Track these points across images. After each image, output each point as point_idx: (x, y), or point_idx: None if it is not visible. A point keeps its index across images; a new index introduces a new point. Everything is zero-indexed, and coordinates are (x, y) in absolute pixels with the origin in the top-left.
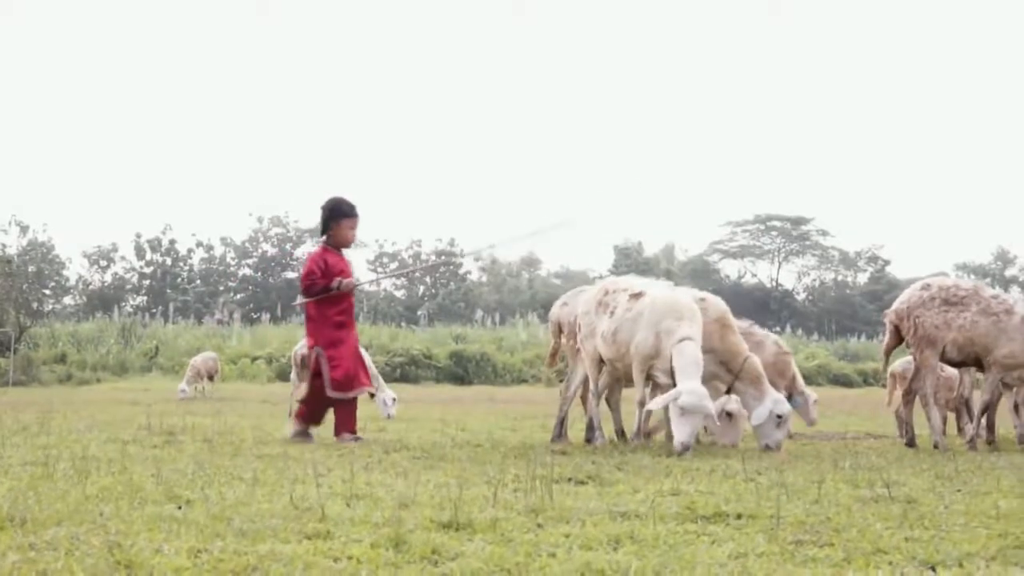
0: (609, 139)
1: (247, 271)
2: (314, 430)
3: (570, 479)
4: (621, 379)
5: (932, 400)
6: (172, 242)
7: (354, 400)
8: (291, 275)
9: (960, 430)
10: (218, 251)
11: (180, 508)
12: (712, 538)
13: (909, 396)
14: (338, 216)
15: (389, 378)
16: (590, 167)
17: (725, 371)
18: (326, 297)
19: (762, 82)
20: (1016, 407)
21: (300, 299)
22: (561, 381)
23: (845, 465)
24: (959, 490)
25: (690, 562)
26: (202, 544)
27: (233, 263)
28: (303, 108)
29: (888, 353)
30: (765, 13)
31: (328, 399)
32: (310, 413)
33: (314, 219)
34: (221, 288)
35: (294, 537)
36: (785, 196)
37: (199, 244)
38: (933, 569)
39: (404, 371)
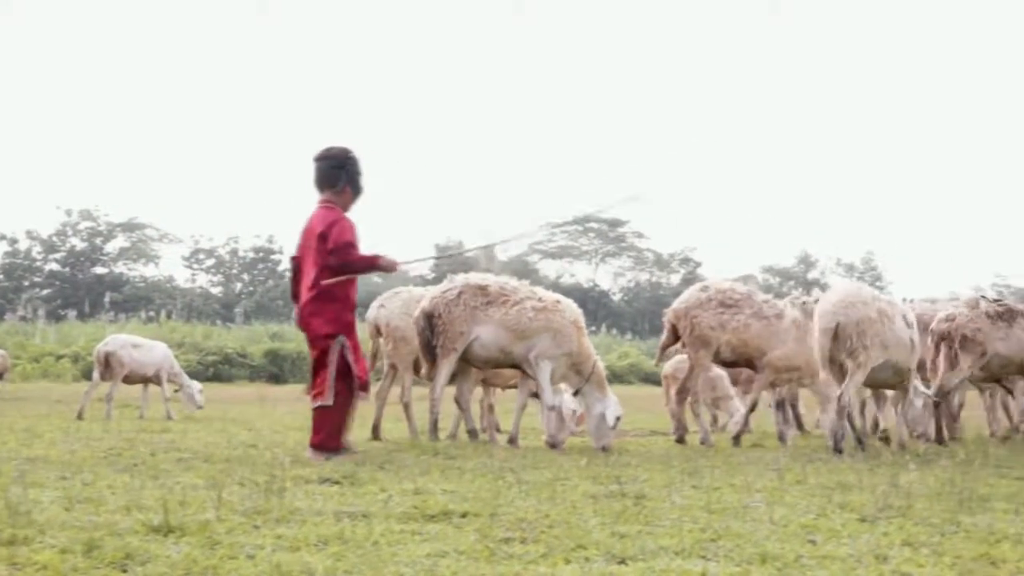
0: (428, 137)
1: (54, 266)
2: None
3: (326, 479)
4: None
5: (701, 399)
6: None
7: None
8: (101, 271)
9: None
10: (23, 244)
11: None
12: (424, 537)
13: (681, 395)
14: (359, 172)
15: (201, 376)
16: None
17: (575, 374)
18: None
19: (580, 86)
20: (779, 404)
21: (336, 277)
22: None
23: (582, 463)
24: (694, 486)
25: (385, 561)
26: None
27: (39, 257)
28: (112, 97)
29: (663, 350)
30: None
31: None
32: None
33: (126, 212)
34: (25, 283)
35: None
36: (602, 199)
37: (2, 237)
38: (623, 563)
39: (217, 370)
